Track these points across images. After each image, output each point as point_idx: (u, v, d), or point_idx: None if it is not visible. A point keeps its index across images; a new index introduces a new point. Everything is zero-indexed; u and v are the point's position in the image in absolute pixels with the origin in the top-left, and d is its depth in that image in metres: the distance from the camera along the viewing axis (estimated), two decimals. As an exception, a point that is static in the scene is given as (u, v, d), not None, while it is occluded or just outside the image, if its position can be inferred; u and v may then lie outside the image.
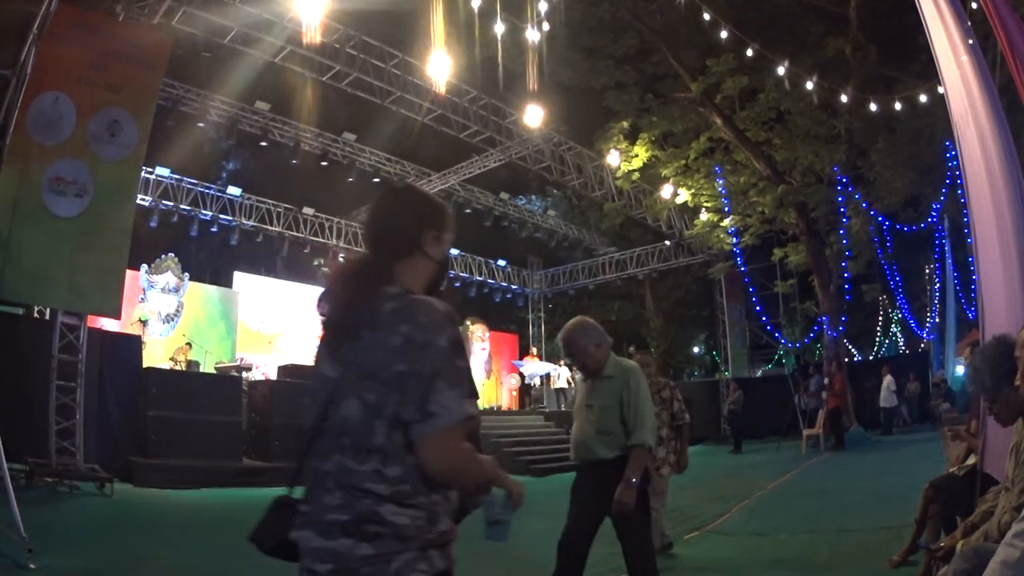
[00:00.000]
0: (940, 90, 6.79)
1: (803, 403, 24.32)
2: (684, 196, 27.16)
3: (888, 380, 24.63)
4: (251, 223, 25.92)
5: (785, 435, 22.53)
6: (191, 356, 20.06)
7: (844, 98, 21.84)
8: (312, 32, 15.87)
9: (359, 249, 28.80)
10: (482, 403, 27.97)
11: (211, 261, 31.83)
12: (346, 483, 2.30)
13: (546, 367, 31.07)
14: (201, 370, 19.19)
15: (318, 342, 2.60)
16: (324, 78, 20.05)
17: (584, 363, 5.77)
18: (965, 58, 6.42)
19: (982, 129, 6.19)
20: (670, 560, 8.18)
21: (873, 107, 21.90)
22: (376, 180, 27.51)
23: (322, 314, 2.55)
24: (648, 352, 33.94)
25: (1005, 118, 6.23)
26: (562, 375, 28.56)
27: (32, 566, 6.71)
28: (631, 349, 41.95)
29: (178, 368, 19.12)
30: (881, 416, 24.72)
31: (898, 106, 21.56)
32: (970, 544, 3.95)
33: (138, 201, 18.54)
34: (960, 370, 24.57)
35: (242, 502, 11.86)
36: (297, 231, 27.43)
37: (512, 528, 2.80)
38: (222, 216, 24.98)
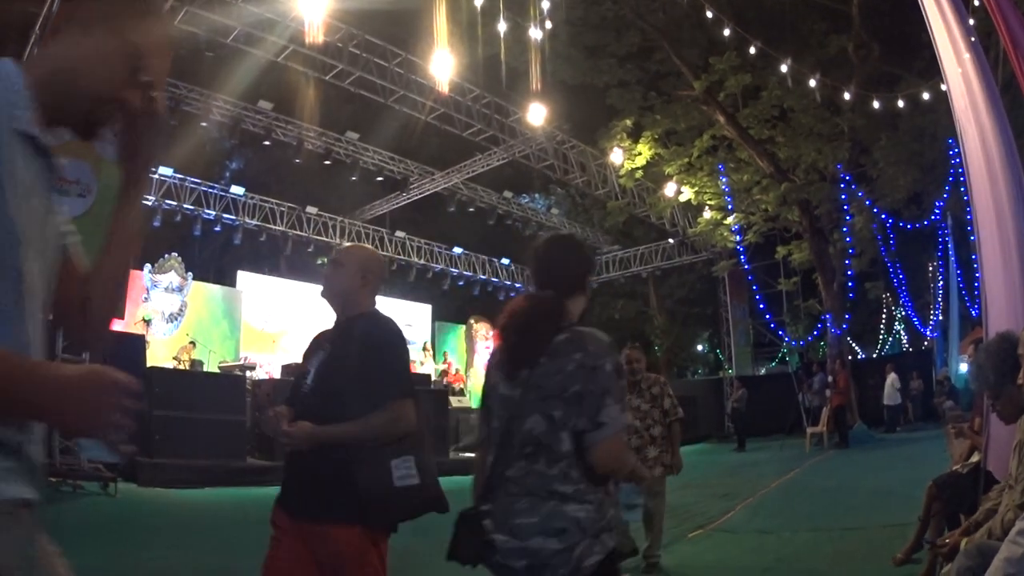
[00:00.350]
0: (943, 87, 6.78)
1: (807, 401, 24.30)
2: (687, 194, 27.18)
3: (892, 378, 24.64)
4: (254, 222, 25.92)
5: (789, 433, 22.52)
6: (195, 355, 20.09)
7: (847, 96, 21.85)
8: (315, 31, 15.88)
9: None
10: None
11: (214, 260, 31.89)
12: (533, 486, 2.82)
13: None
14: (205, 369, 19.18)
15: (492, 367, 3.22)
16: (327, 77, 20.06)
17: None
18: (967, 55, 6.41)
19: (984, 127, 6.18)
20: (675, 557, 8.17)
21: (876, 104, 21.90)
22: (380, 179, 27.53)
23: (502, 343, 3.17)
24: (636, 348, 33.83)
25: (1006, 116, 6.22)
26: None
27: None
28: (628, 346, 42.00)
29: (182, 367, 19.14)
30: (885, 414, 24.72)
31: (901, 104, 21.57)
32: (973, 542, 3.95)
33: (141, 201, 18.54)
34: (963, 368, 24.55)
35: (246, 501, 11.85)
36: (300, 230, 27.41)
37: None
38: (225, 215, 24.99)
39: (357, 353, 3.52)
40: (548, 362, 2.87)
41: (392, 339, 3.73)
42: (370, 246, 5.13)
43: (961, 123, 6.37)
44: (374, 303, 3.94)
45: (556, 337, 2.91)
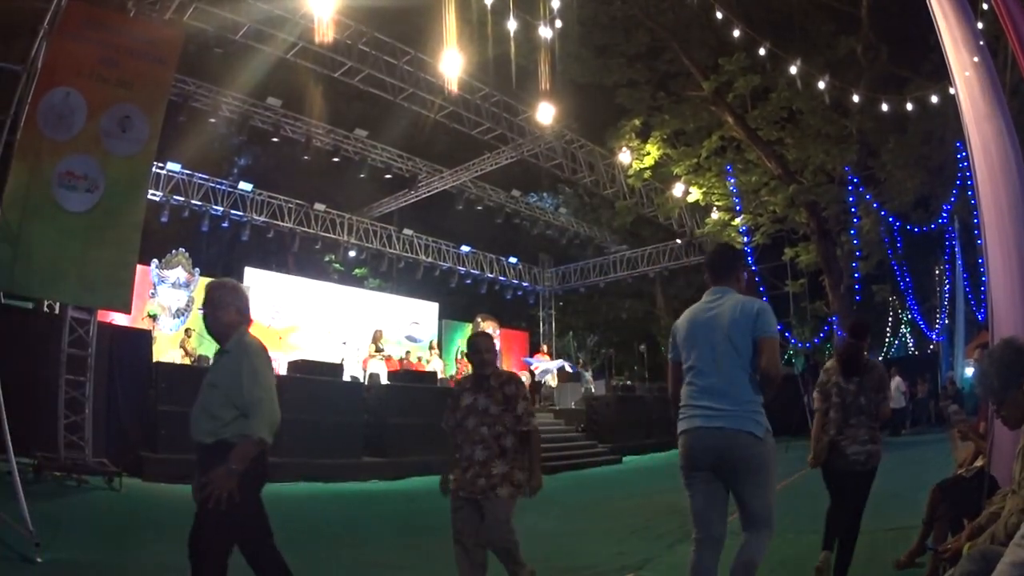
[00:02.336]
0: (951, 91, 6.78)
1: (812, 403, 24.25)
2: (695, 195, 27.18)
3: (897, 381, 24.59)
4: (262, 219, 25.95)
5: (794, 435, 22.48)
6: (197, 348, 20.10)
7: (855, 98, 21.83)
8: (324, 28, 15.89)
9: (369, 246, 28.89)
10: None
11: (222, 256, 31.97)
12: (866, 428, 6.73)
13: (557, 364, 31.12)
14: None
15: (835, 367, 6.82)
16: (336, 74, 20.05)
17: (213, 324, 5.05)
18: (976, 59, 6.40)
19: (985, 132, 6.18)
20: (677, 558, 8.18)
21: (884, 107, 21.88)
22: (388, 176, 27.56)
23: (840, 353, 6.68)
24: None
25: (1012, 120, 6.21)
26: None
27: (39, 560, 6.73)
28: (641, 347, 41.98)
29: (186, 359, 19.19)
30: (896, 416, 24.70)
31: (909, 106, 21.56)
32: (977, 546, 3.95)
33: (149, 196, 18.57)
34: (969, 372, 24.54)
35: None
36: (308, 227, 27.42)
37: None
38: (233, 211, 25.01)
39: None
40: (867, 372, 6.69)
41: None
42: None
43: (968, 127, 6.37)
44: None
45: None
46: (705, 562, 4.75)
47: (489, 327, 33.20)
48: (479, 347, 6.19)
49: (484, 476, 5.75)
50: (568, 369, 32.01)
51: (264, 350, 4.95)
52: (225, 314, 4.95)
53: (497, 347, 23.24)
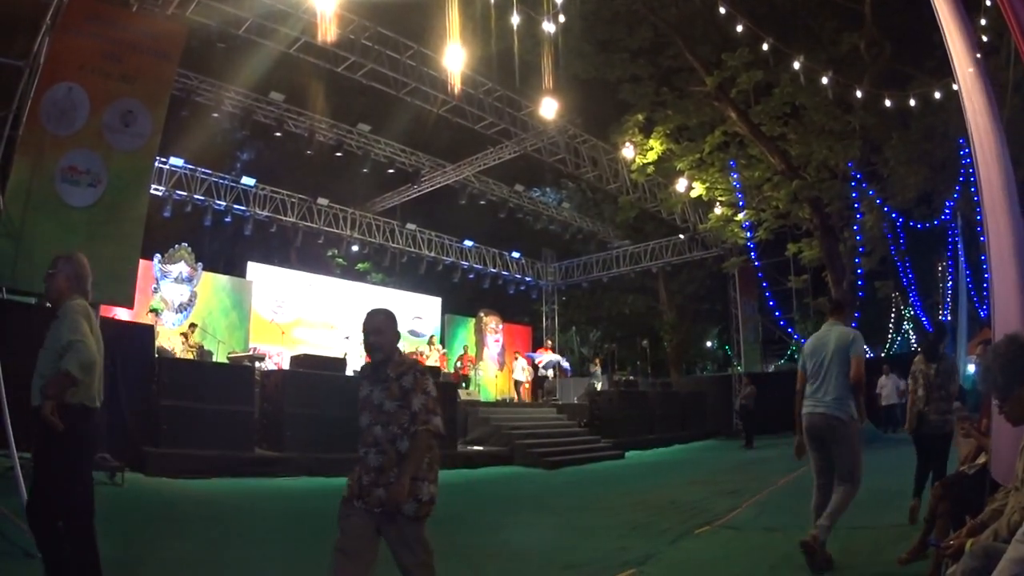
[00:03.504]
0: (955, 87, 6.76)
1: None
2: (698, 190, 27.17)
3: (893, 378, 24.61)
4: (265, 213, 25.98)
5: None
6: (200, 341, 20.13)
7: (859, 94, 21.80)
8: (327, 24, 15.88)
9: (371, 240, 28.92)
10: (494, 395, 28.03)
11: (225, 251, 31.96)
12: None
13: (558, 359, 31.15)
14: (214, 360, 19.23)
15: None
16: (339, 69, 20.04)
17: (47, 289, 5.59)
18: (978, 55, 6.39)
19: (984, 126, 6.19)
20: (681, 553, 8.18)
21: (887, 103, 21.84)
22: (391, 171, 27.57)
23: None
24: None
25: (1002, 127, 6.23)
26: (516, 368, 28.68)
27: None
28: (644, 342, 41.99)
29: (189, 353, 19.22)
30: (883, 414, 24.66)
31: (912, 102, 21.53)
32: (979, 543, 3.94)
33: (152, 191, 18.59)
34: (971, 368, 24.52)
35: (254, 492, 11.90)
36: (311, 221, 27.45)
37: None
38: (236, 206, 25.06)
39: None
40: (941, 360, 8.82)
41: None
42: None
43: (970, 123, 6.36)
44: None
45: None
46: (821, 499, 7.52)
47: (492, 321, 33.28)
48: (365, 327, 5.38)
49: (383, 485, 4.77)
50: (563, 365, 32.04)
51: (87, 309, 5.37)
52: (56, 280, 5.45)
53: (501, 341, 23.03)
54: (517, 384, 28.36)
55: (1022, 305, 5.67)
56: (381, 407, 5.00)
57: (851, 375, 7.16)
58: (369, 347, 5.31)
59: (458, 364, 27.52)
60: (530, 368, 30.11)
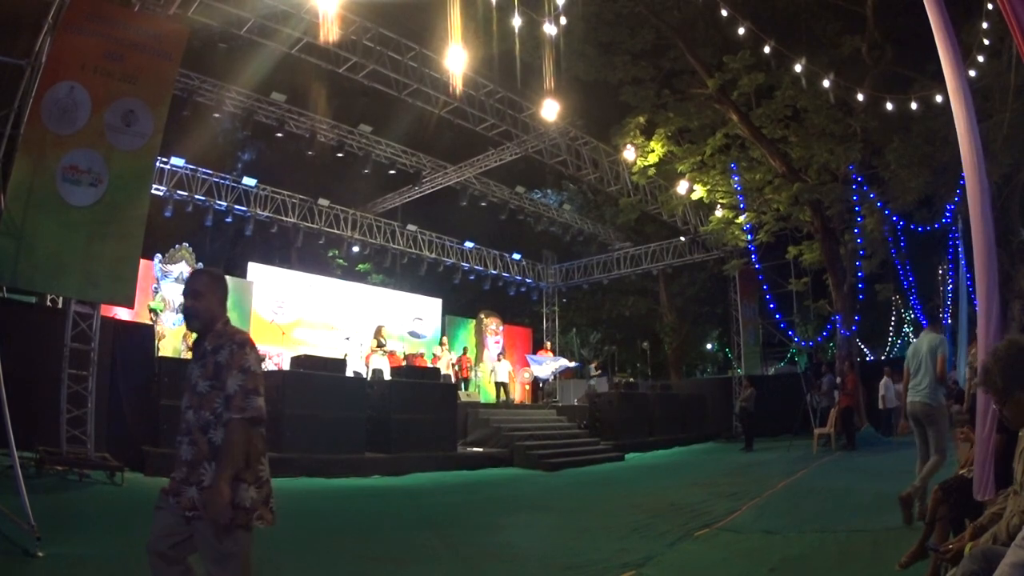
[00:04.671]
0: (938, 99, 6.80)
1: (815, 402, 24.26)
2: (699, 192, 27.17)
3: (885, 381, 24.66)
4: (266, 214, 26.00)
5: (796, 434, 22.49)
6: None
7: (860, 97, 21.81)
8: (329, 25, 15.90)
9: (372, 241, 28.94)
10: (494, 397, 28.02)
11: (225, 251, 32.05)
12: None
13: (559, 362, 31.14)
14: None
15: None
16: (341, 70, 20.03)
17: None
18: (955, 81, 6.41)
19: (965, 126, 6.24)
20: (680, 556, 8.18)
21: (889, 106, 21.85)
22: (392, 172, 27.60)
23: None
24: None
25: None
26: (499, 370, 28.64)
27: (41, 554, 6.72)
28: (644, 345, 41.99)
29: (190, 352, 19.25)
30: (884, 417, 24.68)
31: (914, 106, 21.53)
32: (979, 547, 3.94)
33: (153, 191, 18.61)
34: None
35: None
36: (312, 222, 27.46)
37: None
38: (237, 206, 25.08)
39: None
40: None
41: None
42: None
43: (963, 130, 6.40)
44: None
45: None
46: (921, 465, 9.35)
47: (492, 323, 33.32)
48: (184, 291, 4.48)
49: (195, 484, 4.04)
50: (569, 366, 32.01)
51: None
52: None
53: (502, 343, 23.08)
54: (499, 386, 28.23)
55: (997, 306, 5.70)
56: (195, 388, 4.24)
57: (937, 370, 9.51)
58: (185, 313, 4.48)
59: (456, 366, 27.53)
60: (521, 372, 30.20)
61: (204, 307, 4.32)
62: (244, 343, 4.21)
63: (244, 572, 3.98)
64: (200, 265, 23.63)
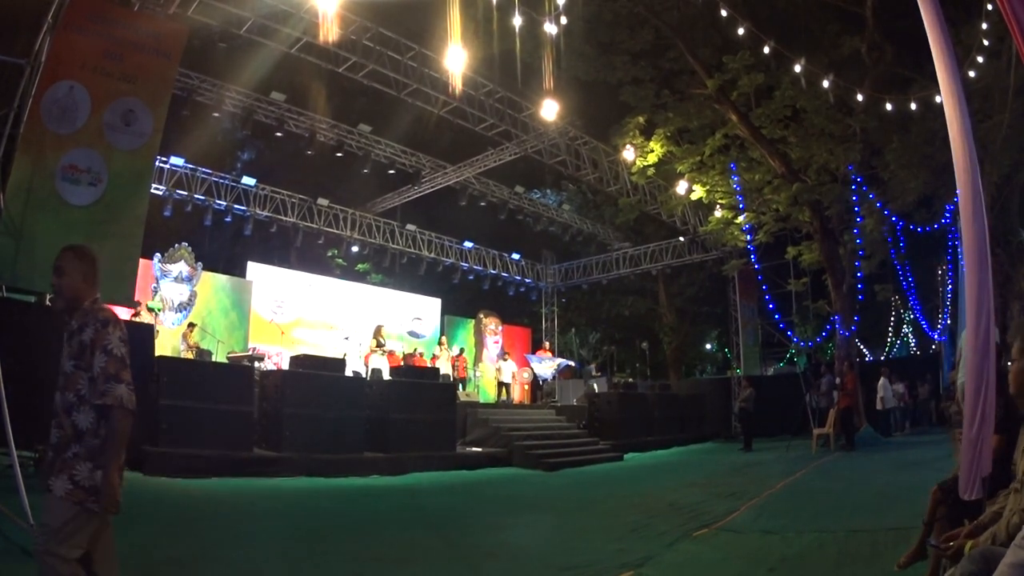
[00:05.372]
0: (938, 98, 6.79)
1: (814, 402, 24.27)
2: (699, 192, 27.15)
3: (883, 382, 24.69)
4: (265, 213, 26.01)
5: (795, 434, 22.49)
6: (200, 343, 20.16)
7: (859, 97, 21.81)
8: (329, 24, 15.91)
9: (372, 241, 28.97)
10: (493, 397, 28.03)
11: (225, 251, 32.04)
12: None
13: (558, 362, 31.15)
14: (213, 359, 19.23)
15: None
16: (340, 69, 20.04)
17: None
18: (950, 84, 6.39)
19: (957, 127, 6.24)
20: (679, 556, 8.18)
21: (888, 107, 21.85)
22: (391, 172, 27.61)
23: None
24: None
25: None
26: (504, 369, 28.62)
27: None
28: (643, 345, 42.02)
29: (188, 353, 19.24)
30: (882, 418, 24.70)
31: (913, 106, 21.52)
32: (978, 546, 3.95)
33: (152, 190, 18.61)
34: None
35: (252, 492, 11.89)
36: (311, 222, 27.48)
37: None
38: (236, 206, 25.08)
39: None
40: None
41: None
42: None
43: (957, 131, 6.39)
44: None
45: None
46: None
47: (491, 323, 33.34)
48: (54, 266, 4.22)
49: (64, 472, 3.98)
50: (572, 364, 32.02)
51: None
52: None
53: (501, 342, 23.13)
54: (501, 385, 28.23)
55: (987, 304, 5.69)
56: (63, 369, 4.09)
57: None
58: (52, 290, 4.32)
59: (452, 366, 27.53)
60: (529, 370, 30.19)
61: (68, 284, 4.18)
62: (107, 322, 4.11)
63: (63, 547, 3.94)
64: (199, 264, 23.66)
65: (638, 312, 42.34)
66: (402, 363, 23.59)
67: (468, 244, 33.11)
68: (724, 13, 19.79)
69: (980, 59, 20.67)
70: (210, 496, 11.44)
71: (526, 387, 31.66)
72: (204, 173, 24.27)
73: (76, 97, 12.10)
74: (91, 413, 3.98)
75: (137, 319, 18.95)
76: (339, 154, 25.99)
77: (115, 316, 4.18)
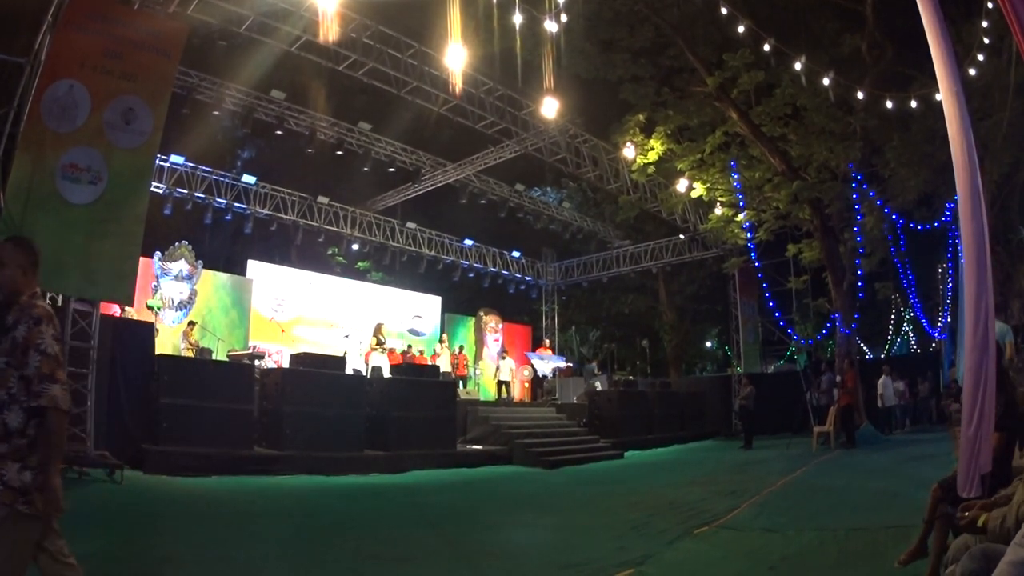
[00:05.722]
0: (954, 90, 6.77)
1: (814, 400, 24.27)
2: (699, 190, 27.12)
3: (884, 380, 24.70)
4: (265, 211, 26.00)
5: (796, 432, 22.49)
6: (200, 341, 20.17)
7: (860, 95, 21.79)
8: (329, 22, 15.90)
9: (372, 239, 28.96)
10: (493, 395, 28.02)
11: (225, 249, 31.99)
12: None
13: (558, 360, 31.18)
14: (213, 358, 19.22)
15: None
16: (340, 67, 20.02)
17: None
18: (951, 86, 6.38)
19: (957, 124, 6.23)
20: (679, 554, 8.18)
21: (888, 105, 21.83)
22: (391, 170, 27.59)
23: None
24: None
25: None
26: (504, 367, 28.60)
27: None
28: (644, 342, 42.02)
29: (188, 352, 19.24)
30: (883, 415, 24.70)
31: (913, 104, 21.49)
32: (978, 546, 3.96)
33: (152, 189, 18.60)
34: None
35: (253, 490, 11.89)
36: (311, 220, 27.48)
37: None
38: (236, 204, 25.08)
39: None
40: None
41: None
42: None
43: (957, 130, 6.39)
44: None
45: None
46: None
47: (492, 321, 33.33)
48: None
49: None
50: (569, 365, 32.05)
51: None
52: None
53: (501, 340, 23.16)
54: (501, 383, 28.23)
55: (986, 304, 5.69)
56: None
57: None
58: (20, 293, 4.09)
59: (452, 364, 27.54)
60: (530, 368, 30.22)
61: (7, 277, 4.03)
62: (40, 319, 3.95)
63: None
64: (200, 263, 23.65)
65: (638, 310, 42.32)
66: (402, 361, 23.61)
67: (468, 242, 33.10)
68: (724, 11, 19.77)
69: (980, 57, 20.65)
70: (210, 495, 11.44)
71: (526, 385, 31.67)
72: (204, 171, 24.27)
73: (76, 96, 12.09)
74: (20, 413, 3.82)
75: (132, 315, 18.94)
76: (339, 152, 25.98)
77: (49, 312, 4.06)
